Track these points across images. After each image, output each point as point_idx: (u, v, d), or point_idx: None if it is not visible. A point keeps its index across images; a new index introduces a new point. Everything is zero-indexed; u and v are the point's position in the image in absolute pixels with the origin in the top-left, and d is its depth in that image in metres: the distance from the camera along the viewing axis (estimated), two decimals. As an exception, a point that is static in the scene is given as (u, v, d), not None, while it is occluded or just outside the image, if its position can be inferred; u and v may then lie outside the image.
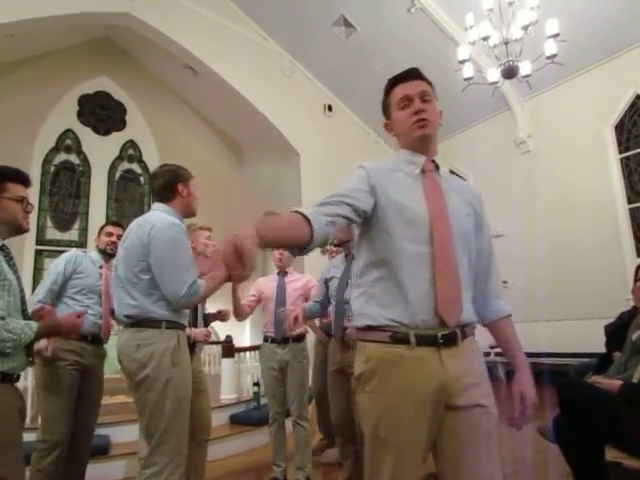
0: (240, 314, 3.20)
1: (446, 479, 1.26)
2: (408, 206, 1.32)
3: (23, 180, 1.90)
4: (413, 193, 1.36)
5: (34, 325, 1.73)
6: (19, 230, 1.89)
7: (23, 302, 1.84)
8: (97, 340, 2.85)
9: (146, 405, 2.04)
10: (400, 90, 1.44)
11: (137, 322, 2.10)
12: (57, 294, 2.77)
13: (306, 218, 1.17)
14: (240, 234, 1.05)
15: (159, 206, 2.26)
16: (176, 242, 2.09)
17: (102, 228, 3.09)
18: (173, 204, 2.26)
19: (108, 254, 2.98)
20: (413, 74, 1.45)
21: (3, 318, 1.64)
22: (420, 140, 1.42)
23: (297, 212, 1.19)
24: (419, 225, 1.31)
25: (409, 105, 1.41)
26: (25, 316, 1.84)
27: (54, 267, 2.83)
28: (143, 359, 2.04)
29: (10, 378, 1.72)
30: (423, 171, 1.42)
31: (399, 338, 1.25)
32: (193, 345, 2.87)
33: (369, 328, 1.30)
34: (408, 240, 1.29)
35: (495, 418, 1.30)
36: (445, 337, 1.26)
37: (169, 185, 2.26)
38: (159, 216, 2.18)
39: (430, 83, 1.47)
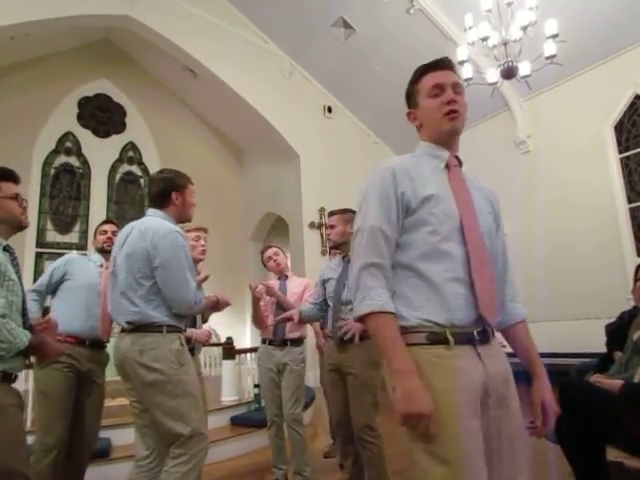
0: (262, 327, 3.29)
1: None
2: (439, 201, 1.27)
3: (12, 177, 1.91)
4: (441, 188, 1.30)
5: (28, 334, 1.72)
6: (20, 226, 1.91)
7: (24, 302, 1.84)
8: (96, 345, 2.80)
9: (160, 408, 2.07)
10: (432, 78, 1.36)
11: (138, 327, 2.13)
12: (44, 294, 2.80)
13: (388, 312, 1.20)
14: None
15: (154, 212, 2.30)
16: (180, 248, 2.15)
17: (97, 229, 3.10)
18: (167, 211, 2.31)
19: (106, 251, 2.95)
20: (447, 63, 1.39)
21: (4, 316, 1.63)
22: (449, 133, 1.36)
23: (379, 312, 1.20)
24: (450, 221, 1.26)
25: (440, 94, 1.34)
26: (25, 317, 1.83)
27: (48, 269, 2.89)
28: (149, 362, 2.06)
29: (9, 378, 1.72)
30: (447, 166, 1.37)
31: (436, 339, 1.19)
32: (192, 347, 2.88)
33: (402, 329, 1.22)
34: (440, 236, 1.24)
35: (521, 423, 1.28)
36: (480, 334, 1.23)
37: (163, 193, 2.31)
38: (158, 222, 2.22)
39: (459, 75, 1.43)
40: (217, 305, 2.45)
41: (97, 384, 2.80)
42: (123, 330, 2.16)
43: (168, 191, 2.30)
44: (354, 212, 2.55)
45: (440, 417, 1.11)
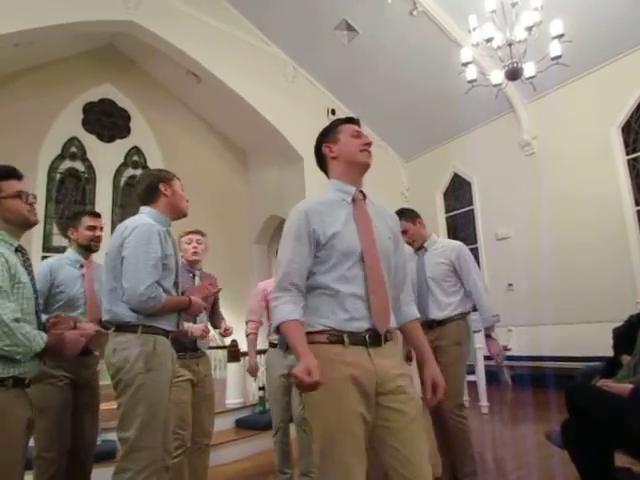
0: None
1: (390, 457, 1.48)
2: (343, 237, 1.57)
3: (12, 175, 1.85)
4: (346, 223, 1.60)
5: (44, 335, 1.68)
6: (27, 224, 1.85)
7: (37, 304, 1.81)
8: (86, 350, 2.64)
9: (120, 409, 2.05)
10: (354, 127, 1.74)
11: (117, 327, 2.13)
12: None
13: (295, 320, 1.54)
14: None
15: (144, 209, 2.30)
16: (141, 241, 2.10)
17: (78, 219, 2.81)
18: (158, 205, 2.29)
19: (91, 250, 2.82)
20: (359, 123, 1.78)
21: (17, 320, 1.58)
22: (362, 165, 1.69)
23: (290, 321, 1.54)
24: (353, 251, 1.57)
25: (359, 138, 1.70)
26: (39, 319, 1.81)
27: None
28: (117, 363, 2.05)
29: (22, 383, 1.68)
30: (353, 200, 1.66)
31: (335, 340, 1.52)
32: (195, 347, 2.84)
33: (308, 333, 1.54)
34: (346, 265, 1.56)
35: (419, 405, 1.56)
36: (372, 338, 1.53)
37: (151, 187, 2.30)
38: (138, 218, 2.23)
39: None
40: (191, 307, 2.31)
41: (91, 387, 2.76)
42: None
43: (155, 184, 2.29)
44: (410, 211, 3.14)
45: (325, 393, 1.44)
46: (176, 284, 2.31)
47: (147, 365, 2.05)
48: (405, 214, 3.06)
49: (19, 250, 1.80)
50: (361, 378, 1.47)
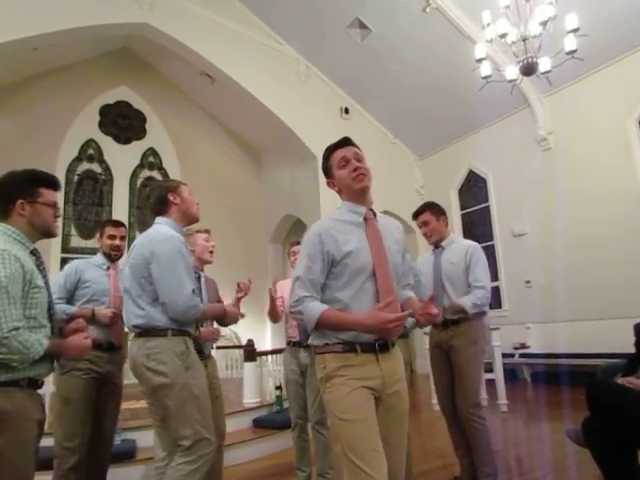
0: (276, 317, 3.43)
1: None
2: (357, 256, 1.71)
3: (55, 185, 1.91)
4: (359, 242, 1.74)
5: (45, 342, 1.69)
6: (49, 235, 1.91)
7: (51, 308, 1.83)
8: (113, 347, 2.87)
9: (167, 411, 2.11)
10: (339, 153, 1.82)
11: (145, 332, 2.18)
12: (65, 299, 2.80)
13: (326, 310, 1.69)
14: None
15: (160, 219, 2.35)
16: (176, 253, 2.18)
17: (103, 228, 3.04)
18: (171, 215, 2.35)
19: (111, 258, 3.00)
20: (346, 142, 1.85)
21: (17, 329, 1.60)
22: (360, 191, 1.79)
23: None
24: (365, 268, 1.71)
25: (347, 165, 1.79)
26: (52, 322, 1.83)
27: (55, 280, 2.77)
28: (156, 366, 2.11)
29: (35, 384, 1.72)
30: (365, 219, 1.79)
31: (348, 349, 1.69)
32: (201, 350, 2.87)
33: (326, 344, 1.72)
34: (359, 281, 1.71)
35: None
36: (380, 346, 1.70)
37: (161, 199, 2.36)
38: (160, 229, 2.28)
39: (359, 148, 1.87)
40: (225, 317, 2.45)
41: (115, 384, 2.87)
42: (135, 335, 2.22)
43: (164, 195, 2.35)
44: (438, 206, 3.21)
45: (345, 396, 1.64)
46: (193, 291, 2.35)
47: (185, 364, 2.15)
48: (433, 208, 3.12)
49: (34, 253, 1.83)
50: (370, 383, 1.67)
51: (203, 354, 2.86)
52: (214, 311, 2.42)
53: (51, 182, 1.90)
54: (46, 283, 1.83)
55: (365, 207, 1.81)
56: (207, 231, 3.11)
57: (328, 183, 1.89)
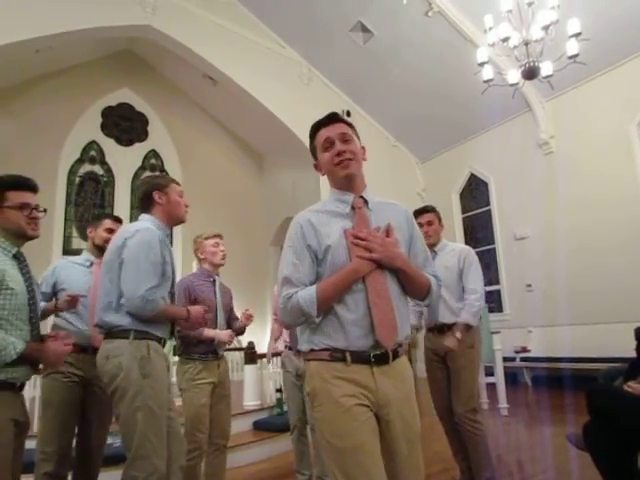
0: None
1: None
2: (336, 252, 1.49)
3: (24, 186, 1.85)
4: (340, 236, 1.51)
5: (20, 346, 1.65)
6: (24, 236, 1.85)
7: (32, 311, 1.79)
8: (96, 350, 2.68)
9: (119, 417, 2.03)
10: (323, 133, 1.61)
11: (108, 332, 2.11)
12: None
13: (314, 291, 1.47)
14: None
15: (142, 216, 2.32)
16: (145, 243, 2.11)
17: (100, 221, 2.87)
18: (154, 212, 2.30)
19: (104, 251, 2.82)
20: (333, 118, 1.63)
21: None
22: (345, 179, 1.57)
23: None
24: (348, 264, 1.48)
25: (331, 147, 1.58)
26: (33, 325, 1.79)
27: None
28: (112, 370, 2.03)
29: (11, 387, 1.69)
30: (353, 208, 1.57)
31: (337, 358, 1.46)
32: (215, 349, 2.91)
33: (312, 351, 1.51)
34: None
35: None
36: (376, 356, 1.45)
37: (146, 195, 2.31)
38: (132, 224, 2.27)
39: (350, 124, 1.65)
40: (189, 320, 2.28)
41: (100, 387, 2.65)
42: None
43: (149, 192, 2.30)
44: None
45: (336, 418, 1.40)
46: (172, 294, 2.28)
47: (142, 371, 2.02)
48: (437, 211, 3.19)
49: (17, 257, 1.81)
50: (362, 397, 1.42)
51: (217, 354, 2.93)
52: (175, 313, 2.23)
53: (20, 184, 1.84)
54: (28, 286, 1.79)
55: (354, 194, 1.58)
56: (217, 236, 3.09)
57: (315, 166, 1.68)
